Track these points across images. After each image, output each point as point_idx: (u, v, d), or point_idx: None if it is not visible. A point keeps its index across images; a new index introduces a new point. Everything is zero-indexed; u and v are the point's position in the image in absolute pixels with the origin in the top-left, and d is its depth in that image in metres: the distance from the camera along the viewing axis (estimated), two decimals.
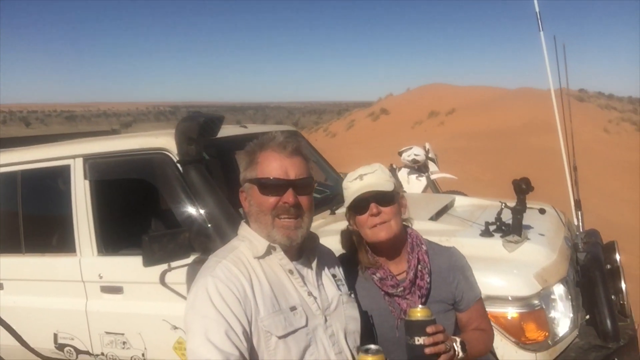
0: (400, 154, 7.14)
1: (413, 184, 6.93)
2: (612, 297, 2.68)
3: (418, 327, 1.65)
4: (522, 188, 2.64)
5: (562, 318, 2.44)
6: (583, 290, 2.71)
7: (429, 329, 1.64)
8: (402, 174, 7.01)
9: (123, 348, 3.01)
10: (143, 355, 2.97)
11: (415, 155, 6.94)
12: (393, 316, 1.87)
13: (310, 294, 1.64)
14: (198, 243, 2.71)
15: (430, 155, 7.24)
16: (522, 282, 2.40)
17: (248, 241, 1.66)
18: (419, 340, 1.64)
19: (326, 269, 1.80)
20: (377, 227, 1.84)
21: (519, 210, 2.65)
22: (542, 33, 3.35)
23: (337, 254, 1.99)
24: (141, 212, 3.68)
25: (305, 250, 1.73)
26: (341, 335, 1.66)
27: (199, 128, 2.73)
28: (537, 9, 3.35)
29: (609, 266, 2.91)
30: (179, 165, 2.86)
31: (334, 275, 1.81)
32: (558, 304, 2.44)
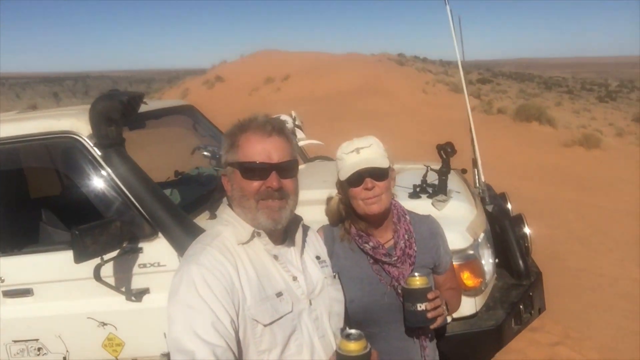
0: None
1: None
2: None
3: (420, 294, 1.76)
4: (448, 151, 2.88)
5: (487, 264, 2.75)
6: (494, 237, 3.05)
7: (430, 295, 1.77)
8: None
9: (38, 355, 2.71)
10: (64, 358, 2.71)
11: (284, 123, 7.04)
12: (382, 284, 1.95)
13: (295, 278, 1.63)
14: (130, 231, 2.54)
15: (297, 123, 7.38)
16: (457, 236, 2.61)
17: (232, 226, 1.62)
18: (421, 307, 1.76)
19: (310, 251, 1.80)
20: (370, 199, 1.89)
21: (444, 172, 2.90)
22: (448, 6, 3.49)
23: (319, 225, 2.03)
24: (47, 204, 3.28)
25: (289, 234, 1.72)
26: (325, 319, 1.67)
27: (123, 108, 2.50)
28: None
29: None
30: (95, 149, 2.60)
31: (317, 257, 1.81)
32: (485, 252, 2.76)
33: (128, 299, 2.56)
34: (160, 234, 2.56)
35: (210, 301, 1.40)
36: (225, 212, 1.69)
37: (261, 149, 1.56)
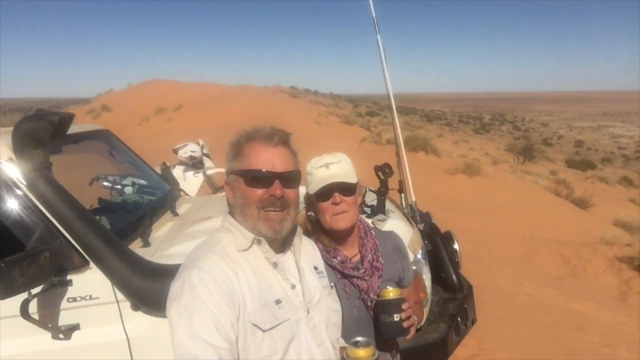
0: (175, 151, 6.98)
1: (190, 181, 6.86)
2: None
3: (395, 305, 1.80)
4: (386, 172, 3.00)
5: (427, 279, 2.86)
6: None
7: (404, 306, 1.80)
8: (178, 171, 6.86)
9: None
10: None
11: (192, 151, 6.89)
12: (351, 298, 1.95)
13: (293, 286, 1.64)
14: (61, 261, 2.33)
15: (205, 151, 7.27)
16: None
17: (232, 234, 1.64)
18: (397, 317, 1.78)
19: (308, 261, 1.81)
20: (338, 215, 1.92)
21: (383, 192, 3.01)
22: (379, 36, 3.57)
23: None
24: None
25: (288, 243, 1.73)
26: (322, 328, 1.68)
27: (52, 129, 2.32)
28: (373, 14, 3.53)
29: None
30: (17, 174, 2.38)
31: (315, 268, 1.82)
32: (424, 268, 2.87)
33: (55, 337, 2.34)
34: (91, 265, 2.39)
35: (212, 304, 1.42)
36: (226, 220, 1.70)
37: (266, 158, 1.59)
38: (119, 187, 4.01)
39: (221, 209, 3.22)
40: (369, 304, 1.93)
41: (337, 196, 1.91)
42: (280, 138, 1.63)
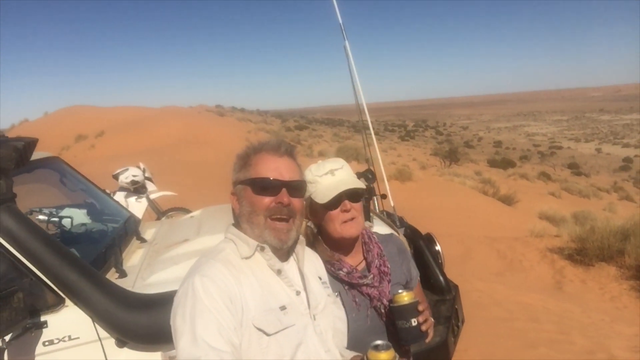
0: (116, 177, 6.74)
1: (133, 207, 6.62)
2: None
3: (410, 310, 1.73)
4: (369, 177, 3.03)
5: None
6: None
7: (421, 308, 1.75)
8: (119, 197, 6.62)
9: None
10: None
11: (134, 176, 6.69)
12: (359, 307, 1.89)
13: (298, 293, 1.65)
14: (35, 301, 2.15)
15: (147, 175, 7.06)
16: None
17: (235, 243, 1.65)
18: (414, 322, 1.73)
19: (312, 270, 1.80)
20: (348, 223, 1.85)
21: (367, 198, 3.03)
22: (347, 42, 3.45)
23: None
24: None
25: (292, 251, 1.74)
26: (329, 335, 1.68)
27: (18, 157, 2.15)
28: (340, 21, 3.42)
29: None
30: None
31: (319, 278, 1.81)
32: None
33: None
34: (67, 302, 2.22)
35: (214, 308, 1.44)
36: (229, 230, 1.72)
37: (274, 167, 1.63)
38: (55, 219, 3.72)
39: (195, 231, 3.13)
40: (382, 311, 1.88)
41: (347, 203, 1.86)
42: (287, 149, 1.68)
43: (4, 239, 2.17)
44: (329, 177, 1.89)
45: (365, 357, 1.51)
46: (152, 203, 6.79)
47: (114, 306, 2.16)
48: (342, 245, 1.95)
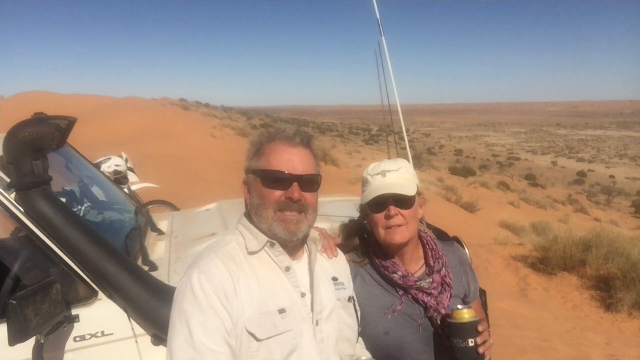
0: (97, 166, 6.62)
1: None
2: None
3: (470, 329, 1.62)
4: None
5: None
6: None
7: (480, 328, 1.64)
8: None
9: None
10: None
11: (117, 165, 6.58)
12: (415, 315, 1.80)
13: (303, 295, 1.57)
14: (66, 293, 2.03)
15: (129, 165, 6.95)
16: None
17: (244, 236, 1.60)
18: (472, 342, 1.61)
19: (327, 271, 1.71)
20: (392, 229, 1.76)
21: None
22: (383, 38, 3.32)
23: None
24: None
25: (305, 249, 1.67)
26: (332, 341, 1.59)
27: (60, 137, 2.03)
28: (377, 15, 3.29)
29: None
30: (6, 192, 2.02)
31: (334, 278, 1.71)
32: None
33: None
34: (100, 295, 2.11)
35: (211, 307, 1.40)
36: (240, 221, 1.66)
37: (286, 159, 1.54)
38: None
39: (219, 224, 3.08)
40: (438, 322, 1.77)
41: (392, 209, 1.76)
42: (302, 139, 1.58)
43: (38, 225, 2.05)
44: (379, 177, 1.81)
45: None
46: (133, 194, 6.70)
47: (156, 301, 2.06)
48: (392, 251, 1.86)
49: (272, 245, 1.56)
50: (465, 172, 50.15)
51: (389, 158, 3.84)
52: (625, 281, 7.29)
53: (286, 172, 1.52)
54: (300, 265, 1.63)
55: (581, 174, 77.53)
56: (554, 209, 31.51)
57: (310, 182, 1.57)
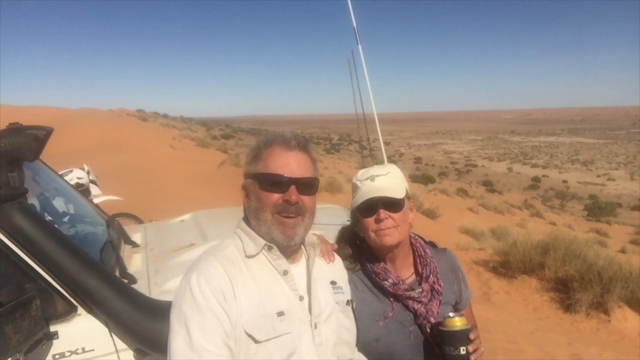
0: None
1: None
2: None
3: (462, 336, 1.62)
4: None
5: None
6: None
7: (472, 336, 1.64)
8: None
9: None
10: None
11: (78, 178, 6.39)
12: (406, 322, 1.82)
13: (301, 298, 1.58)
14: (49, 309, 1.99)
15: (91, 178, 6.78)
16: None
17: (242, 240, 1.61)
18: (464, 350, 1.61)
19: (325, 274, 1.73)
20: (382, 232, 1.78)
21: None
22: (360, 47, 3.34)
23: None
24: None
25: (303, 253, 1.69)
26: (330, 345, 1.60)
27: (38, 147, 1.99)
28: (354, 24, 3.33)
29: None
30: None
31: (333, 282, 1.73)
32: None
33: None
34: (79, 310, 2.07)
35: (210, 309, 1.42)
36: (239, 225, 1.67)
37: (284, 163, 1.56)
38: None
39: (198, 235, 3.08)
40: (428, 330, 1.78)
41: (382, 212, 1.78)
42: (299, 143, 1.60)
43: (14, 239, 1.99)
44: (368, 182, 1.84)
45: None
46: (96, 208, 6.55)
47: (139, 315, 2.04)
48: (384, 255, 1.88)
49: (269, 249, 1.58)
50: (425, 179, 50.91)
51: (364, 166, 3.95)
52: (582, 282, 7.53)
53: (284, 175, 1.55)
54: (298, 269, 1.65)
55: (536, 179, 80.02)
56: (511, 214, 32.32)
57: (308, 186, 1.59)
